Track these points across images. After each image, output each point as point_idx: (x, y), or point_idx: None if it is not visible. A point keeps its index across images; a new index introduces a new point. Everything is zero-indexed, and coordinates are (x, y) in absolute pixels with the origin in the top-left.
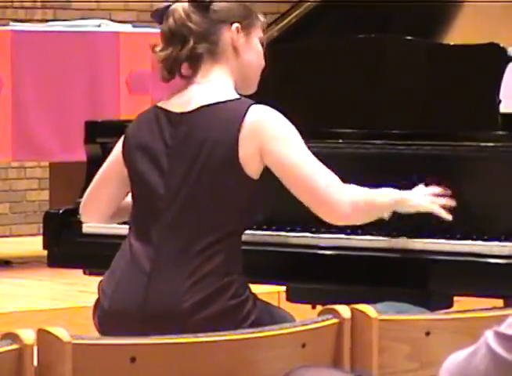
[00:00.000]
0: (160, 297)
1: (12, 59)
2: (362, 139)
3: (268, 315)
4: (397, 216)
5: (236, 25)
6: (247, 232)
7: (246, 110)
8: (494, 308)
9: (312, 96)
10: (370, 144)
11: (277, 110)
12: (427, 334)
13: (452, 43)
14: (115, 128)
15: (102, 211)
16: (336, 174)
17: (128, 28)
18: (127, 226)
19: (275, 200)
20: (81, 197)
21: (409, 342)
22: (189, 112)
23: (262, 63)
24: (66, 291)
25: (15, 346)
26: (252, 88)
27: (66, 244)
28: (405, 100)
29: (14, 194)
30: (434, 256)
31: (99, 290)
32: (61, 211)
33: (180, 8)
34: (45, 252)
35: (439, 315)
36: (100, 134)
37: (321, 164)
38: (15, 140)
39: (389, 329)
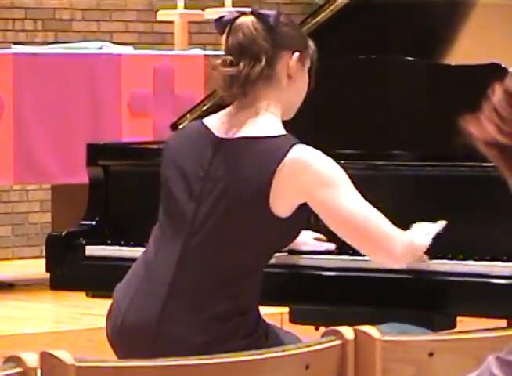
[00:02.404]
0: (173, 326)
1: (14, 81)
2: (363, 160)
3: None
4: None
5: (297, 54)
6: None
7: (289, 149)
8: (497, 328)
9: (313, 117)
10: (371, 165)
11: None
12: (431, 354)
13: (453, 63)
14: (117, 151)
15: None
16: None
17: (129, 50)
18: (129, 248)
19: None
20: (84, 219)
21: (412, 363)
22: (233, 139)
23: (305, 91)
24: (69, 313)
25: (18, 369)
26: (291, 116)
27: (69, 267)
28: (407, 121)
29: (16, 217)
30: (436, 277)
31: (114, 298)
32: (63, 234)
33: (249, 22)
34: (48, 275)
35: (442, 335)
36: (102, 156)
37: (372, 207)
38: (17, 163)
39: (392, 350)
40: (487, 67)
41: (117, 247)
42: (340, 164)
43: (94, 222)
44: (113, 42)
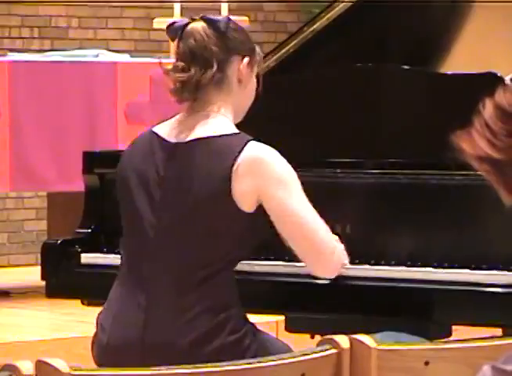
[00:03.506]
0: (159, 332)
1: (10, 89)
2: (361, 168)
3: (267, 349)
4: (396, 246)
5: (247, 59)
6: (246, 262)
7: (244, 146)
8: (493, 337)
9: (310, 126)
10: (368, 174)
11: (275, 140)
12: (426, 363)
13: (450, 72)
14: (113, 159)
15: None
16: (334, 203)
17: (125, 58)
18: None
19: (274, 231)
20: (80, 227)
21: (408, 372)
22: (186, 143)
23: (253, 96)
24: (65, 321)
25: None
26: (240, 119)
27: (65, 275)
28: (403, 129)
29: (12, 224)
30: (432, 285)
31: (97, 324)
32: (59, 242)
33: (200, 28)
34: (44, 282)
35: (438, 344)
36: (98, 164)
37: (315, 212)
38: (13, 170)
39: (388, 359)
40: (483, 76)
41: (113, 255)
42: (335, 172)
43: (90, 230)
44: (110, 50)
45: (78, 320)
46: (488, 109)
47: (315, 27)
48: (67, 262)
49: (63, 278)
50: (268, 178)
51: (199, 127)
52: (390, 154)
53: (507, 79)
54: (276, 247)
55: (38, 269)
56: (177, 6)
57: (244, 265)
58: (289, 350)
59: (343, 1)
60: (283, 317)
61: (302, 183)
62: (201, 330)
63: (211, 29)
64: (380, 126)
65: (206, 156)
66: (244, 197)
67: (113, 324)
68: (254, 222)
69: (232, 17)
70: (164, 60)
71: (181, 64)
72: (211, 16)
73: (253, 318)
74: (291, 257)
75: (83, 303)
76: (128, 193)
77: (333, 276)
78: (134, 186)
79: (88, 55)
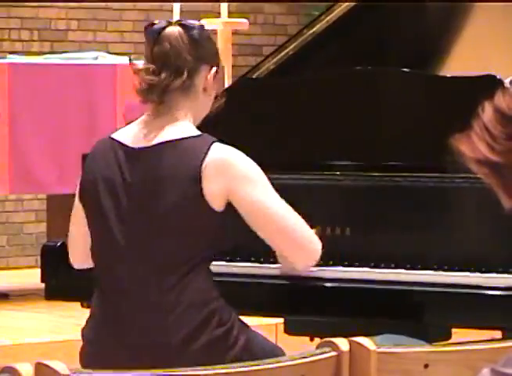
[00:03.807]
0: (146, 334)
1: (10, 91)
2: (360, 171)
3: (259, 342)
4: (395, 249)
5: (215, 68)
6: (245, 264)
7: (209, 147)
8: (492, 339)
9: (310, 128)
10: (368, 176)
11: (273, 141)
12: (426, 366)
13: (449, 74)
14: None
15: (86, 252)
16: (333, 206)
17: (124, 60)
18: None
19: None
20: None
21: (407, 375)
22: (150, 147)
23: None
24: (64, 323)
25: None
26: (196, 124)
27: (64, 277)
28: (403, 132)
29: (11, 227)
30: (431, 288)
31: (82, 337)
32: (58, 244)
33: (177, 33)
34: (43, 285)
35: (438, 347)
36: None
37: (289, 206)
38: (12, 173)
39: (387, 361)
40: (483, 79)
41: None
42: (335, 175)
43: None
44: (109, 52)
45: (77, 323)
46: (487, 112)
47: (314, 29)
48: (67, 264)
49: (63, 280)
50: (234, 178)
51: (164, 130)
52: (389, 157)
53: (507, 82)
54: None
55: (38, 271)
56: (176, 9)
57: (244, 269)
58: (281, 352)
59: (342, 4)
60: (282, 320)
61: (302, 186)
62: (189, 326)
63: (186, 35)
64: (380, 129)
65: (173, 158)
66: (214, 196)
67: (99, 332)
68: (225, 220)
69: (231, 20)
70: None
71: (152, 67)
72: (188, 22)
73: (252, 321)
74: None
75: (82, 305)
76: (94, 200)
77: (312, 266)
78: (101, 192)
79: (88, 57)
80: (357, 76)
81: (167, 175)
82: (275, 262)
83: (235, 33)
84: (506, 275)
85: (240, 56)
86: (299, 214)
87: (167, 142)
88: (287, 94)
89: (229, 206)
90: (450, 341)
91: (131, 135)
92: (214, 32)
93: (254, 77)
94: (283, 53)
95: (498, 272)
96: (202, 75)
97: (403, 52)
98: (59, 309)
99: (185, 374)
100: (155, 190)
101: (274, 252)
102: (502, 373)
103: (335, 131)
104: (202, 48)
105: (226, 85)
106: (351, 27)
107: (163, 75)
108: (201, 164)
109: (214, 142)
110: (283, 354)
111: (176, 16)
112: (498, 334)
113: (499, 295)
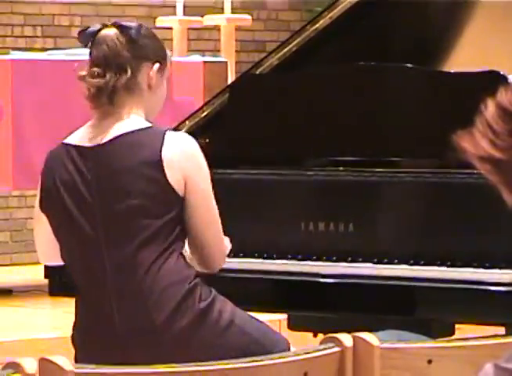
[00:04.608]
0: (130, 321)
1: (13, 87)
2: (363, 166)
3: (254, 326)
4: (398, 245)
5: (157, 65)
6: (249, 260)
7: (163, 136)
8: (496, 335)
9: (313, 124)
10: (371, 172)
11: (276, 137)
12: (429, 362)
13: (453, 70)
14: None
15: (56, 251)
16: (337, 202)
17: None
18: None
19: (277, 229)
20: None
21: (411, 370)
22: (103, 144)
23: (163, 99)
24: (68, 319)
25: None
26: (151, 119)
27: (67, 273)
28: (406, 128)
29: (15, 223)
30: (435, 284)
31: (72, 343)
32: None
33: (113, 35)
34: (47, 281)
35: (441, 343)
36: None
37: None
38: (16, 169)
39: (391, 357)
40: (486, 75)
41: None
42: (338, 170)
43: None
44: None
45: None
46: (490, 108)
47: (317, 25)
48: None
49: (66, 277)
50: (192, 165)
51: (114, 128)
52: (392, 153)
53: (511, 78)
54: (279, 247)
55: (41, 267)
56: (179, 5)
57: (248, 264)
58: (286, 344)
59: (345, 0)
60: (285, 316)
61: (304, 181)
62: (169, 305)
63: (123, 35)
64: (383, 124)
65: (128, 149)
66: (177, 182)
67: (86, 335)
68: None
69: (234, 16)
70: (76, 66)
71: (96, 70)
72: (123, 23)
73: (255, 316)
74: (293, 255)
75: None
76: (59, 205)
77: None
78: (64, 196)
79: None
80: (360, 72)
81: (125, 166)
82: (279, 257)
83: (238, 29)
84: (509, 271)
85: (243, 52)
86: (302, 210)
87: (119, 136)
88: (290, 90)
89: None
90: (453, 337)
91: (82, 136)
92: (218, 28)
93: (257, 73)
94: (286, 49)
95: (501, 268)
96: (144, 72)
97: (406, 48)
98: (62, 305)
99: (188, 370)
100: (115, 183)
101: (277, 248)
102: (505, 368)
103: (337, 127)
104: (140, 46)
105: (229, 81)
106: (354, 23)
107: (108, 76)
108: (160, 152)
109: (167, 130)
110: (274, 331)
111: (179, 12)
112: (501, 329)
113: (503, 291)
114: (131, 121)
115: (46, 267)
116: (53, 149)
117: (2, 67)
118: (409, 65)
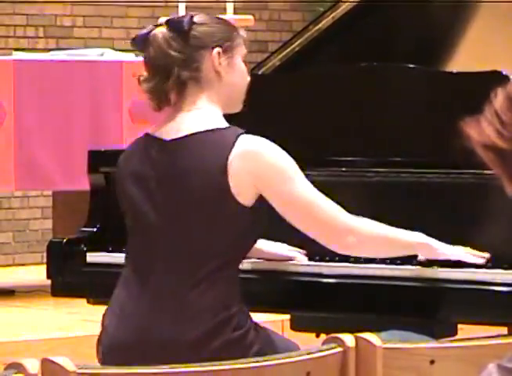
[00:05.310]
0: (162, 331)
1: (15, 88)
2: (366, 167)
3: (271, 345)
4: None
5: (216, 50)
6: (251, 260)
7: (236, 139)
8: (498, 336)
9: (315, 124)
10: (374, 172)
11: (279, 138)
12: (432, 362)
13: (455, 70)
14: (118, 158)
15: None
16: (338, 202)
17: (130, 57)
18: None
19: (277, 229)
20: (85, 225)
21: (413, 371)
22: (178, 139)
23: (246, 80)
24: (71, 320)
25: None
26: (238, 107)
27: (70, 274)
28: (408, 128)
29: (17, 223)
30: (437, 284)
31: (102, 324)
32: (64, 241)
33: (160, 35)
34: (49, 281)
35: (444, 343)
36: (103, 163)
37: (321, 193)
38: (18, 169)
39: (393, 357)
40: (489, 75)
41: (118, 254)
42: (341, 171)
43: (95, 229)
44: (115, 49)
45: (83, 319)
46: (499, 98)
47: (320, 25)
48: (73, 260)
49: (69, 277)
50: (264, 169)
51: (190, 124)
52: (394, 153)
53: None
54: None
55: (44, 268)
56: (182, 5)
57: (249, 264)
58: (296, 348)
59: (348, 1)
60: (288, 316)
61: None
62: (204, 327)
63: (172, 32)
64: (385, 125)
65: (200, 150)
66: (242, 190)
67: (117, 325)
68: (254, 216)
69: (236, 16)
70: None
71: (145, 75)
72: (174, 18)
73: (258, 317)
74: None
75: (88, 302)
76: (128, 195)
77: (353, 253)
78: (133, 187)
79: (93, 54)
80: (363, 72)
81: (194, 166)
82: None
83: None
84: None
85: None
86: None
87: (195, 133)
88: (292, 90)
89: (259, 202)
90: (456, 338)
91: (162, 129)
92: None
93: (259, 73)
94: (288, 50)
95: (504, 268)
96: (206, 62)
97: (409, 49)
98: (65, 305)
99: (196, 370)
100: (183, 183)
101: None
102: (508, 368)
103: (340, 126)
104: (194, 36)
105: None
106: (357, 24)
107: (157, 79)
108: (228, 157)
109: (241, 133)
110: None
111: (182, 13)
112: (504, 330)
113: (505, 291)
114: (208, 117)
115: (48, 267)
116: (136, 138)
117: (5, 68)
118: (411, 65)
